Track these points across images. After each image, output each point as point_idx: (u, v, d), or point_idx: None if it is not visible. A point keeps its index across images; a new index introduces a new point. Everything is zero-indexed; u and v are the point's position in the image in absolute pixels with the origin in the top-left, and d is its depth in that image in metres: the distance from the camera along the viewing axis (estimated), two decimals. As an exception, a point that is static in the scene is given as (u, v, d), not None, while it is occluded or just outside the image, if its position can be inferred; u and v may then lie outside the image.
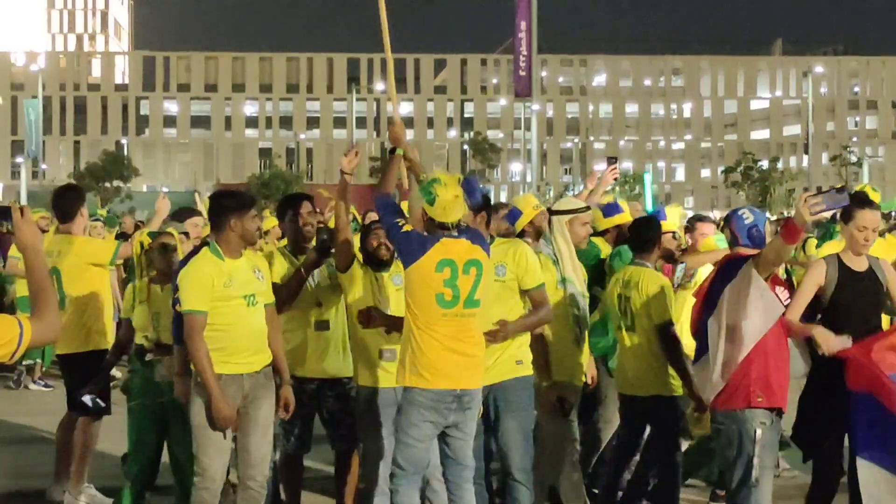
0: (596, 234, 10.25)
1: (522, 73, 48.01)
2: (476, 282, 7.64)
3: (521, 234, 9.29)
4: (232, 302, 7.86)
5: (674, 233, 10.23)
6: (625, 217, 10.25)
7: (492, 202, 8.83)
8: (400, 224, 7.77)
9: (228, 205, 8.08)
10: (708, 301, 7.67)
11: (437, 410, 7.52)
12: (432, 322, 7.52)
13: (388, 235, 8.10)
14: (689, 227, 10.66)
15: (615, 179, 12.62)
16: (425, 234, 7.68)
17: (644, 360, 8.74)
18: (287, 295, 8.59)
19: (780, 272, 8.41)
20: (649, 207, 13.56)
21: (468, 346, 7.61)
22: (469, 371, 7.61)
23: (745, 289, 7.40)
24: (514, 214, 9.50)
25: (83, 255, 9.96)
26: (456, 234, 7.68)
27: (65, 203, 10.22)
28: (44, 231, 12.15)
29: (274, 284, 8.39)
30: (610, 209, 10.49)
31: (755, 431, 7.42)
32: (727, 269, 7.66)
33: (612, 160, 12.75)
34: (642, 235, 9.05)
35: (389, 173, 8.59)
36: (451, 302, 7.54)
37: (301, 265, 8.70)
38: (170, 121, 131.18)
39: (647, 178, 16.77)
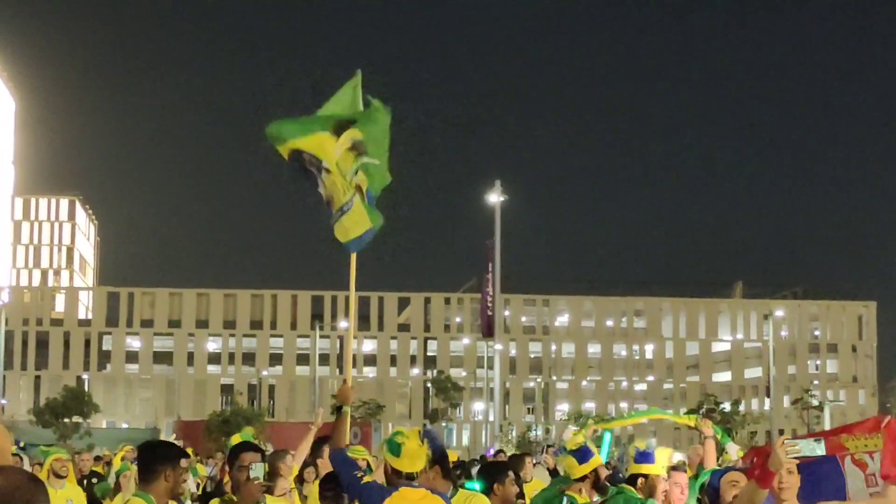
0: (575, 480, 10.21)
1: (489, 314, 48.36)
2: None
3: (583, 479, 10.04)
4: None
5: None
6: (597, 460, 10.19)
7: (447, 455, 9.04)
8: (359, 476, 8.16)
9: (163, 454, 7.81)
10: None
11: None
12: None
13: (349, 489, 8.26)
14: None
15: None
16: (384, 485, 8.04)
17: None
18: None
19: None
20: (604, 458, 13.74)
21: None
22: None
23: None
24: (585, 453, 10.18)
25: None
26: (415, 484, 7.99)
27: None
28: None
29: None
30: (583, 454, 10.33)
31: None
32: None
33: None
34: None
35: (340, 429, 8.86)
36: None
37: None
38: (132, 356, 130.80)
39: (607, 437, 16.88)
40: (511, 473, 9.65)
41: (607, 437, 17.09)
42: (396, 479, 8.07)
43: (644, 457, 9.53)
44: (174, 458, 7.75)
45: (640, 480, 9.37)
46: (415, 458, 8.07)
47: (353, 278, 9.92)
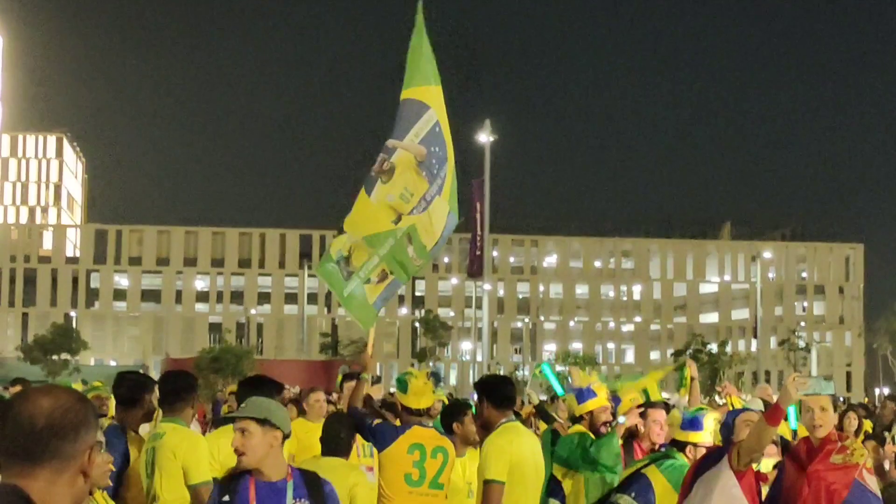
0: (574, 420, 10.23)
1: (477, 253, 48.25)
2: (442, 466, 8.65)
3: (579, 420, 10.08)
4: None
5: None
6: (600, 401, 10.12)
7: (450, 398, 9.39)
8: (371, 422, 8.87)
9: (189, 383, 8.46)
10: (685, 490, 7.63)
11: None
12: (399, 500, 8.42)
13: (367, 434, 8.91)
14: (642, 414, 10.58)
15: None
16: (398, 423, 8.92)
17: None
18: None
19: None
20: (559, 391, 13.79)
21: None
22: None
23: (714, 484, 7.33)
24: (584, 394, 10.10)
25: None
26: (427, 423, 8.93)
27: None
28: None
29: None
30: (580, 394, 10.28)
31: None
32: (704, 461, 7.65)
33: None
34: None
35: (358, 392, 9.47)
36: (417, 482, 8.51)
37: None
38: (120, 294, 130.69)
39: (546, 368, 16.91)
40: (470, 412, 9.83)
41: (546, 370, 17.27)
42: (408, 416, 8.92)
43: (691, 424, 9.23)
44: (196, 388, 8.45)
45: (688, 448, 9.06)
46: (421, 395, 8.89)
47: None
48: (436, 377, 9.31)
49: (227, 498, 6.21)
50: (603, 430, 9.85)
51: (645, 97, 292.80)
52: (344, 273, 10.29)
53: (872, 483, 7.39)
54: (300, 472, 6.43)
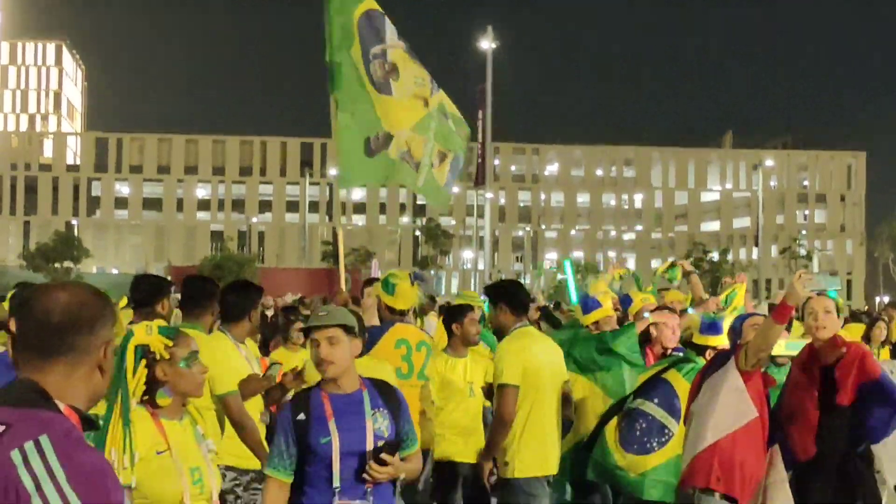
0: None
1: (479, 161, 48.25)
2: (426, 359, 9.11)
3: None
4: None
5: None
6: (605, 311, 10.14)
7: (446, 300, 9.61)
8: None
9: (212, 289, 8.30)
10: (693, 393, 7.66)
11: None
12: None
13: None
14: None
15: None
16: (380, 323, 9.22)
17: None
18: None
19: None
20: (573, 297, 13.76)
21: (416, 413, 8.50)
22: None
23: (721, 384, 7.35)
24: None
25: None
26: (408, 320, 9.34)
27: None
28: None
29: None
30: (586, 304, 10.35)
31: None
32: (712, 363, 7.67)
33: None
34: None
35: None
36: (406, 374, 8.85)
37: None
38: (121, 202, 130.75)
39: (568, 265, 16.94)
40: (471, 313, 9.92)
41: (568, 267, 17.35)
42: (390, 315, 9.23)
43: (711, 328, 9.15)
44: (217, 294, 8.24)
45: (708, 352, 9.02)
46: (406, 297, 9.25)
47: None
48: (418, 279, 10.01)
49: (301, 416, 5.92)
50: None
51: (649, 5, 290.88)
52: (411, 164, 10.98)
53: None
54: (371, 381, 6.20)
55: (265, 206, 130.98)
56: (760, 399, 7.39)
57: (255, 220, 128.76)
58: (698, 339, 9.22)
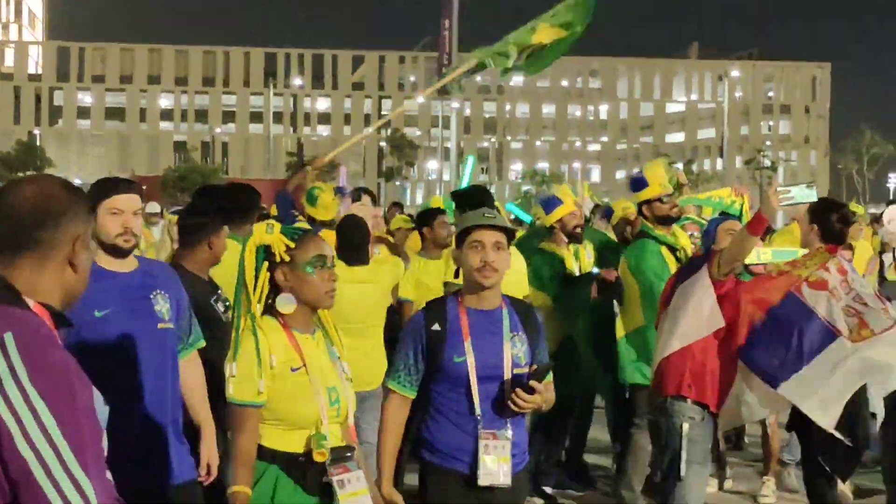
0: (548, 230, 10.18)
1: (444, 72, 48.03)
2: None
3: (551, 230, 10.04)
4: None
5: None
6: (567, 207, 10.04)
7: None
8: (294, 215, 9.59)
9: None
10: (665, 299, 7.65)
11: None
12: None
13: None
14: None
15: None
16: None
17: None
18: None
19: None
20: (464, 184, 13.91)
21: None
22: None
23: (692, 291, 7.36)
24: (551, 203, 10.07)
25: None
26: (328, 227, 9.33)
27: None
28: None
29: None
30: (547, 204, 10.20)
31: (682, 426, 7.33)
32: (685, 269, 7.66)
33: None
34: None
35: (296, 178, 10.36)
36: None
37: None
38: (84, 112, 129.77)
39: (470, 160, 17.00)
40: (441, 216, 10.07)
41: (470, 161, 17.44)
42: (312, 225, 9.43)
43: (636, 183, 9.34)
44: (259, 206, 8.48)
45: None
46: (328, 208, 9.76)
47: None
48: (340, 192, 10.43)
49: (436, 326, 5.37)
50: (576, 232, 9.91)
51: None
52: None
53: (815, 298, 7.25)
54: (511, 300, 5.59)
55: (229, 116, 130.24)
56: (735, 306, 7.37)
57: (218, 130, 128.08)
58: (549, 220, 9.96)
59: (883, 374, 7.17)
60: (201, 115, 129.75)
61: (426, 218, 10.13)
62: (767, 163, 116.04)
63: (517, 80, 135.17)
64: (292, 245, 4.73)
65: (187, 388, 5.87)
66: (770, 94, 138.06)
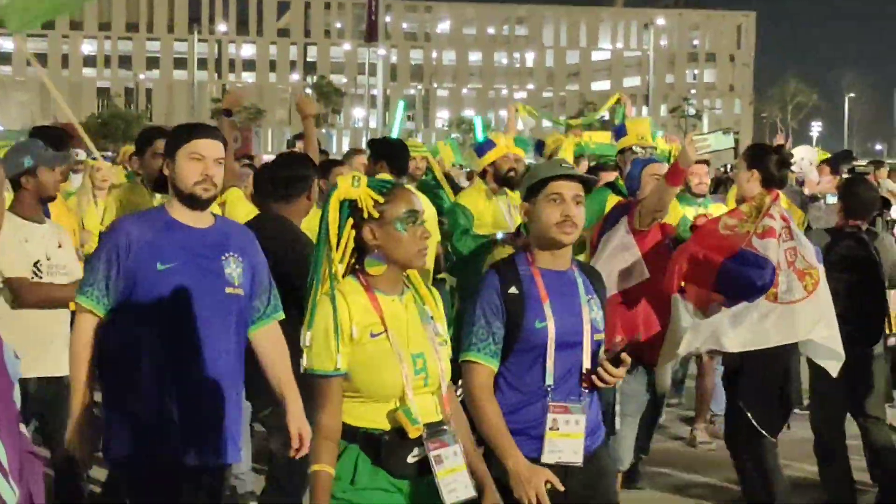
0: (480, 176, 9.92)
1: (371, 18, 47.80)
2: None
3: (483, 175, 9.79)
4: None
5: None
6: (500, 150, 9.66)
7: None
8: None
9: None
10: (594, 247, 7.59)
11: None
12: None
13: None
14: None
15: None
16: None
17: None
18: None
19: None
20: (394, 134, 13.45)
21: None
22: None
23: (611, 242, 7.32)
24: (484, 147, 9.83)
25: None
26: None
27: None
28: None
29: None
30: (479, 148, 9.95)
31: None
32: (610, 216, 7.61)
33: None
34: None
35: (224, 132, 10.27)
36: None
37: None
38: (5, 58, 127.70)
39: (400, 105, 16.90)
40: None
41: (400, 106, 17.06)
42: None
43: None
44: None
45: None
46: None
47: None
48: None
49: (513, 289, 4.86)
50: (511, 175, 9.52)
51: None
52: None
53: (766, 247, 7.11)
54: (578, 262, 5.19)
55: (153, 62, 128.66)
56: (659, 253, 7.29)
57: (142, 76, 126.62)
58: (482, 163, 9.82)
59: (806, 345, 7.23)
60: (125, 61, 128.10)
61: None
62: (692, 111, 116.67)
63: (443, 27, 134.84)
64: (381, 200, 4.32)
65: (267, 360, 5.54)
66: (695, 42, 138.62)
